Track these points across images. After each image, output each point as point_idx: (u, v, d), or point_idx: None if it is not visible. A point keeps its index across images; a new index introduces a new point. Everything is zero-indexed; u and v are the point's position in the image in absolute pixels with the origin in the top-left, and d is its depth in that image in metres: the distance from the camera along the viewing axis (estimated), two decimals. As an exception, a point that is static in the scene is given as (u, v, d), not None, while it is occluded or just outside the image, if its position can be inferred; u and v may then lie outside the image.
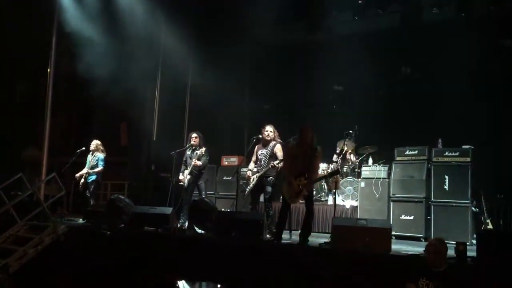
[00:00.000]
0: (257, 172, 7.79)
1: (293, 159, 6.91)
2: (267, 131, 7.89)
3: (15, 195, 8.59)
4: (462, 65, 9.60)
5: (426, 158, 8.28)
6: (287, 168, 7.05)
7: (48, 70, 10.77)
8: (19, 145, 15.63)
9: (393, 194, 8.50)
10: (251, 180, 7.84)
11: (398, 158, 8.63)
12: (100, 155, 9.88)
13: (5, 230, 7.91)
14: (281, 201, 7.19)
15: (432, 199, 8.07)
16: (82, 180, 9.82)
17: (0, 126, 14.39)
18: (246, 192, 7.98)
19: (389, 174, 8.69)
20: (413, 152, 8.49)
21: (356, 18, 11.21)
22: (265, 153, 7.82)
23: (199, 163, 8.58)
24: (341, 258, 5.84)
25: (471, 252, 5.36)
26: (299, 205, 7.97)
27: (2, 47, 14.04)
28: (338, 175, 8.05)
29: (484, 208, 8.15)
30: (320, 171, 10.06)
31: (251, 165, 8.06)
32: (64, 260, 7.42)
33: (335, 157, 10.07)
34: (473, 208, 7.85)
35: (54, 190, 10.58)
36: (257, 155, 7.95)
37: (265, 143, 7.88)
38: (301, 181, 6.70)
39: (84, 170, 9.83)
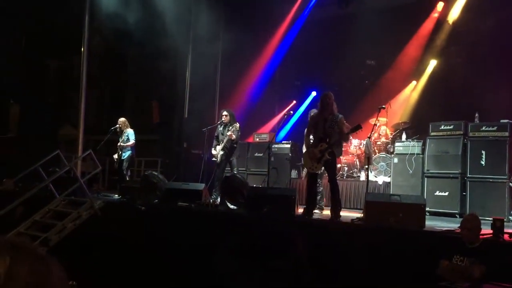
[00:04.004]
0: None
1: (314, 127, 6.91)
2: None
3: (53, 171, 8.83)
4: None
5: (462, 133, 8.06)
6: (307, 136, 7.06)
7: (82, 49, 10.90)
8: (55, 123, 16.01)
9: (427, 170, 8.34)
10: None
11: (432, 133, 8.44)
12: (130, 130, 10.04)
13: (45, 205, 8.15)
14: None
15: (468, 175, 7.89)
16: (116, 156, 10.03)
17: (36, 104, 14.73)
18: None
19: (423, 150, 8.53)
20: (448, 127, 8.28)
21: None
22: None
23: (234, 136, 8.64)
24: (374, 234, 5.80)
25: (508, 228, 5.25)
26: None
27: (35, 25, 14.29)
28: (370, 153, 7.91)
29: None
30: (352, 148, 10.00)
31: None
32: (101, 234, 7.62)
33: None
34: (510, 184, 7.65)
35: (90, 166, 10.85)
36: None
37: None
38: (322, 146, 6.67)
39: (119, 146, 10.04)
